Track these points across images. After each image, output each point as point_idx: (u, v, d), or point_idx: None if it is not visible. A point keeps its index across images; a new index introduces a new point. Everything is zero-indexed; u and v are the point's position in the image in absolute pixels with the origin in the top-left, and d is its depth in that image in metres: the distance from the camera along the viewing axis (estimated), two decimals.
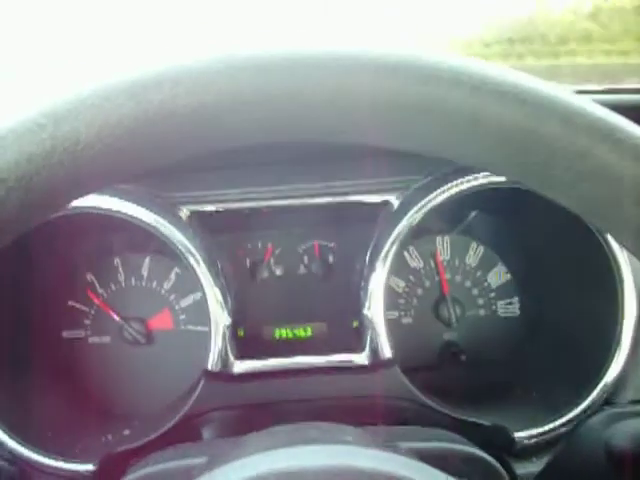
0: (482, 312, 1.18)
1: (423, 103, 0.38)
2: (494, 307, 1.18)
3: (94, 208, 0.92)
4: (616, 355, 0.92)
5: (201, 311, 0.97)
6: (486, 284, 1.18)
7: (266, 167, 1.02)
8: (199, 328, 1.13)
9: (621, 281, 0.93)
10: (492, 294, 1.18)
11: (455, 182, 0.95)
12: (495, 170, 0.42)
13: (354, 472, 0.42)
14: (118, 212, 0.93)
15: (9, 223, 0.36)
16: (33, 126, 0.35)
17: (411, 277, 1.17)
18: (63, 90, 0.37)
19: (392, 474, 0.42)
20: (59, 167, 0.36)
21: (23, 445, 0.90)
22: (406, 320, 1.17)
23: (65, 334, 1.13)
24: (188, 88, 0.37)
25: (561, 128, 0.37)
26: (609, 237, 0.94)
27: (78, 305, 1.14)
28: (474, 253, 1.18)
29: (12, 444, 0.89)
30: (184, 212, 0.99)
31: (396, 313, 1.17)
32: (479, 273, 1.18)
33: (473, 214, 1.18)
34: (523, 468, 0.89)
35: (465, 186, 0.94)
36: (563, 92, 0.38)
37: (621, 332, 0.93)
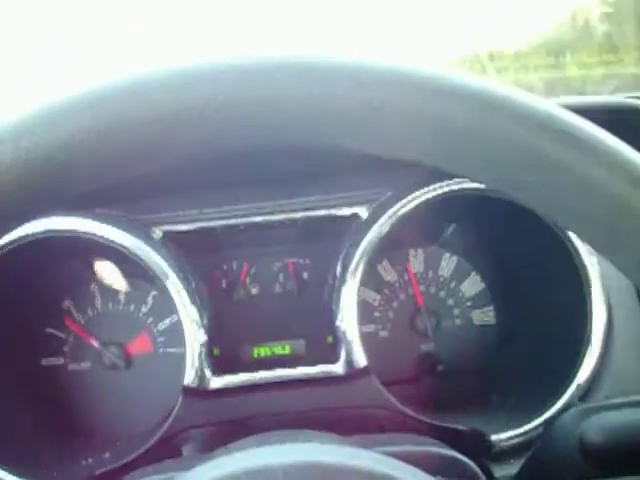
0: (458, 322, 1.19)
1: (374, 104, 0.39)
2: (470, 316, 1.20)
3: (68, 231, 0.93)
4: (587, 355, 0.94)
5: (179, 333, 0.97)
6: (461, 294, 1.20)
7: (237, 186, 1.03)
8: (178, 350, 1.13)
9: (589, 284, 0.95)
10: (467, 303, 1.20)
11: (421, 191, 0.96)
12: (448, 167, 0.43)
13: (321, 467, 0.42)
14: (92, 234, 0.93)
15: None
16: None
17: (386, 290, 1.18)
18: (24, 106, 0.38)
19: (361, 468, 0.43)
20: (16, 181, 0.37)
21: (3, 470, 0.89)
22: (383, 333, 1.18)
23: (44, 362, 1.13)
24: (142, 100, 0.37)
25: (504, 120, 0.38)
26: (575, 240, 0.96)
27: (56, 332, 1.14)
28: (447, 264, 1.19)
29: None
30: (157, 233, 1.00)
31: (372, 327, 1.18)
32: (453, 283, 1.20)
33: (451, 228, 1.20)
34: (502, 470, 0.89)
35: (431, 195, 0.96)
36: (495, 84, 0.39)
37: (591, 333, 0.95)
